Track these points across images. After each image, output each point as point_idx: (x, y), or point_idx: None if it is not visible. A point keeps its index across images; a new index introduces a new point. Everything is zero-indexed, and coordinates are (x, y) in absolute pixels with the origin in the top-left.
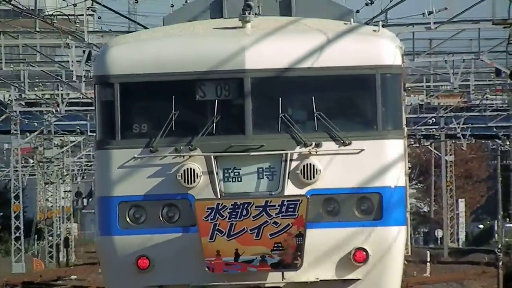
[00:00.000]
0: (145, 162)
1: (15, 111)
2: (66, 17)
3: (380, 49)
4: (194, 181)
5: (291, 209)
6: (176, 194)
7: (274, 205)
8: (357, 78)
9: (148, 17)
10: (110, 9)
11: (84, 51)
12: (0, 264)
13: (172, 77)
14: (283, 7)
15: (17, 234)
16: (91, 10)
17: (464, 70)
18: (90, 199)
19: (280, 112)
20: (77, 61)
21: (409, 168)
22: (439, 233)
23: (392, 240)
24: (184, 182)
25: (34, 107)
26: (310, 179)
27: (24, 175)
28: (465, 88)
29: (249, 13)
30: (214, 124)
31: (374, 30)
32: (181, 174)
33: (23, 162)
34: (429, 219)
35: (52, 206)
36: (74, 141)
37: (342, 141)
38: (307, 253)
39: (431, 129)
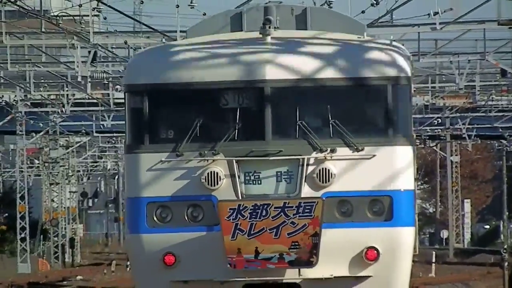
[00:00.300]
0: (171, 166)
1: (21, 112)
2: (72, 17)
3: (391, 61)
4: (217, 184)
5: (308, 210)
6: (200, 195)
7: (292, 206)
8: (370, 88)
9: (153, 18)
10: (116, 10)
11: (89, 52)
12: (6, 264)
13: (197, 86)
14: (299, 21)
15: (23, 235)
16: (97, 10)
17: (470, 71)
18: (96, 200)
19: (297, 119)
20: (82, 62)
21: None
22: (444, 233)
23: (402, 240)
24: (208, 184)
25: (39, 108)
26: (325, 182)
27: (29, 175)
28: (471, 88)
29: (269, 27)
30: (236, 130)
31: (386, 44)
32: (205, 177)
33: (28, 162)
34: (434, 219)
35: (57, 206)
36: (79, 141)
37: (355, 147)
38: (322, 251)
39: (437, 129)
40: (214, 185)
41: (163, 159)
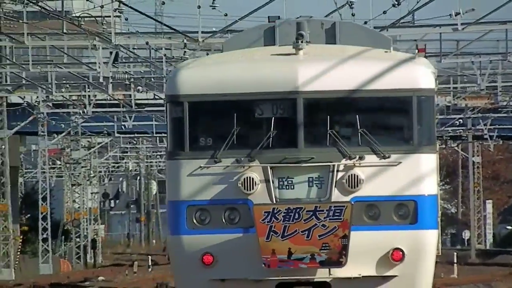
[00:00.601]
0: (210, 171)
1: (42, 113)
2: (93, 18)
3: (416, 74)
4: (253, 188)
5: (337, 214)
6: (237, 199)
7: (323, 210)
8: (396, 100)
9: (175, 18)
10: (137, 11)
11: (111, 53)
12: (28, 265)
13: (234, 97)
14: (329, 35)
15: (45, 236)
16: (118, 11)
17: (491, 71)
18: (117, 201)
19: (328, 128)
20: (104, 63)
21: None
22: (466, 234)
23: (426, 242)
24: (244, 189)
25: (61, 109)
26: (354, 187)
27: (51, 176)
28: (493, 89)
29: (301, 41)
30: (271, 138)
31: (412, 57)
32: (242, 182)
33: (50, 163)
34: (456, 220)
35: (79, 207)
36: (101, 142)
37: (382, 155)
38: (351, 252)
39: (458, 130)
40: (250, 190)
41: (202, 165)
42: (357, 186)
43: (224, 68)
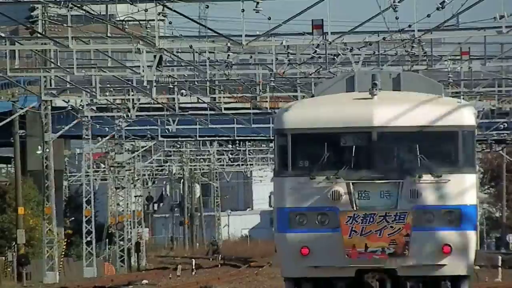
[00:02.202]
0: (307, 186)
1: (87, 116)
2: (137, 22)
3: (461, 115)
4: (339, 199)
5: (402, 218)
6: (327, 207)
7: (391, 215)
8: (447, 133)
9: (218, 22)
10: (181, 14)
11: (155, 56)
12: (72, 268)
13: (325, 130)
14: (395, 83)
15: (89, 239)
16: (162, 15)
17: None
18: (161, 204)
19: (395, 154)
20: (148, 66)
21: (481, 173)
22: (511, 238)
23: (467, 239)
24: (332, 199)
25: (105, 112)
26: (415, 198)
27: (95, 180)
28: None
29: (375, 89)
30: (352, 161)
31: (458, 102)
32: (330, 194)
33: (94, 167)
34: (501, 224)
35: (123, 210)
36: (144, 146)
37: (436, 175)
38: (412, 246)
39: (503, 134)
40: (337, 200)
41: (301, 181)
42: (417, 197)
43: (318, 109)
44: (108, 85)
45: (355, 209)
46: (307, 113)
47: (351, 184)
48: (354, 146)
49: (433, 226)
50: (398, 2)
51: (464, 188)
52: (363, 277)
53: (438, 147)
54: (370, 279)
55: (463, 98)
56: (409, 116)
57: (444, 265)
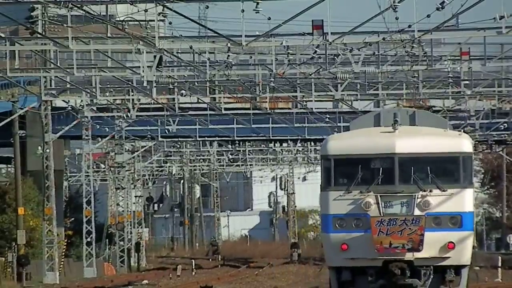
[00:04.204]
0: (345, 198)
1: (87, 117)
2: (137, 22)
3: (462, 144)
4: (370, 207)
5: (417, 222)
6: (360, 213)
7: (409, 220)
8: (451, 158)
9: (218, 23)
10: (181, 15)
11: (155, 57)
12: (72, 268)
13: (359, 156)
14: (411, 119)
15: (89, 239)
16: (162, 15)
17: None
18: (161, 204)
19: (412, 174)
20: (148, 67)
21: (482, 173)
22: (511, 238)
23: (467, 238)
24: (365, 208)
25: (105, 113)
26: (427, 207)
27: (95, 180)
28: None
29: (396, 124)
30: (380, 179)
31: (459, 134)
32: (363, 203)
33: (94, 167)
34: (501, 224)
35: (123, 211)
36: (145, 146)
37: (443, 189)
38: (425, 243)
39: (503, 134)
40: (368, 208)
41: (341, 194)
42: (428, 206)
43: (353, 140)
44: (108, 86)
45: (382, 215)
46: (345, 143)
47: (378, 196)
48: (381, 168)
49: (441, 228)
50: (398, 2)
51: (463, 199)
52: (388, 266)
53: (444, 169)
54: (394, 268)
55: (464, 131)
56: (423, 145)
57: (449, 257)
